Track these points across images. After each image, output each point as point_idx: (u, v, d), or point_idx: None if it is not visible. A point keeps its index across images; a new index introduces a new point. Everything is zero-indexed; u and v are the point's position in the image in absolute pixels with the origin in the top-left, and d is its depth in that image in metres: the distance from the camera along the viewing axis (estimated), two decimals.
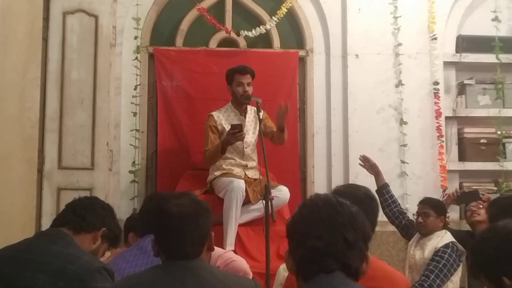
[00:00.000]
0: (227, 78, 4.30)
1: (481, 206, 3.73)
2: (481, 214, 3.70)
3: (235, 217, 3.99)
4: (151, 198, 2.62)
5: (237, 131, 3.97)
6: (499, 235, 1.67)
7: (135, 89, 4.81)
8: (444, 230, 3.57)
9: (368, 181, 4.67)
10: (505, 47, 5.00)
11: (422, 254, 3.51)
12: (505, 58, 5.03)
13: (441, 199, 4.08)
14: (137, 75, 4.83)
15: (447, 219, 3.76)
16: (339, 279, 1.34)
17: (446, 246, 3.41)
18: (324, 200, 1.42)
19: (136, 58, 4.83)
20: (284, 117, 4.16)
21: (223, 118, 4.26)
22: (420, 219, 3.59)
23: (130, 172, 4.77)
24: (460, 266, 3.45)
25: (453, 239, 3.48)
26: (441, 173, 4.85)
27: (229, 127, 4.18)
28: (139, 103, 4.85)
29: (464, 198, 3.88)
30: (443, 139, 4.90)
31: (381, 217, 4.68)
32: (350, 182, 4.61)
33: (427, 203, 3.64)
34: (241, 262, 2.58)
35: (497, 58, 4.96)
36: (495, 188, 4.90)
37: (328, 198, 1.43)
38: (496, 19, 5.01)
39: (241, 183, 4.03)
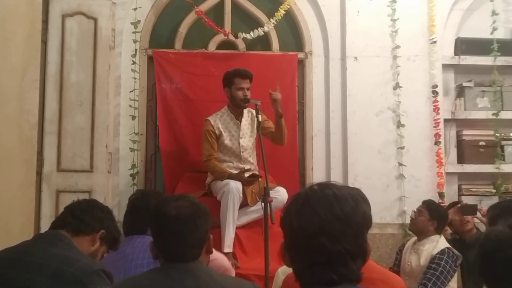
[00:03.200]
0: (225, 80, 4.29)
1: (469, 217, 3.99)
2: (471, 222, 4.00)
3: (232, 219, 3.99)
4: (137, 198, 2.65)
5: (253, 179, 4.08)
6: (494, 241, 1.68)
7: (134, 91, 4.82)
8: (438, 235, 3.60)
9: (367, 183, 4.71)
10: (503, 50, 5.01)
11: (418, 260, 3.53)
12: (503, 60, 5.05)
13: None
14: (135, 78, 4.84)
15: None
16: None
17: (442, 252, 3.44)
18: (323, 204, 1.31)
19: (134, 61, 4.83)
20: (277, 102, 4.16)
21: (219, 122, 4.27)
22: (412, 215, 3.71)
23: (129, 174, 4.77)
24: (456, 271, 3.49)
25: (448, 245, 3.53)
26: (438, 176, 4.86)
27: (226, 131, 4.21)
28: (138, 106, 4.85)
29: (466, 210, 4.05)
30: (441, 140, 4.90)
31: (380, 219, 4.72)
32: (349, 184, 4.61)
33: (425, 203, 3.72)
34: (222, 260, 2.61)
35: (494, 59, 4.99)
36: (494, 191, 4.91)
37: (330, 204, 1.31)
38: (494, 22, 5.02)
39: (238, 185, 4.03)
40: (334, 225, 1.29)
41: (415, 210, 3.72)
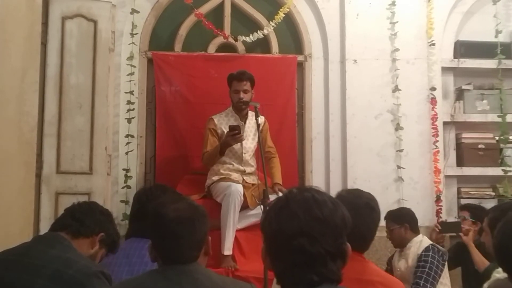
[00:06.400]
0: (227, 82, 4.31)
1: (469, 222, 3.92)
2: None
3: (233, 221, 3.98)
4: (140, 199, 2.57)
5: (236, 132, 3.97)
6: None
7: (133, 93, 4.82)
8: (420, 235, 3.66)
9: (366, 186, 4.69)
10: (503, 53, 5.01)
11: (406, 263, 3.59)
12: (502, 63, 5.04)
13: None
14: (134, 80, 4.84)
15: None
16: None
17: (427, 249, 3.49)
18: (302, 206, 1.34)
19: (133, 64, 4.83)
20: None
21: (223, 122, 4.27)
22: (387, 236, 3.72)
23: (128, 177, 4.77)
24: (446, 266, 3.52)
25: (431, 242, 3.58)
26: (435, 179, 4.86)
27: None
28: (137, 108, 4.86)
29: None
30: (439, 144, 4.90)
31: (379, 222, 4.71)
32: (348, 187, 4.61)
33: (387, 218, 3.71)
34: None
35: (499, 62, 4.98)
36: (493, 194, 4.91)
37: (309, 206, 1.34)
38: (497, 24, 5.02)
39: (239, 188, 4.03)
40: (313, 227, 1.31)
41: (386, 230, 3.72)
